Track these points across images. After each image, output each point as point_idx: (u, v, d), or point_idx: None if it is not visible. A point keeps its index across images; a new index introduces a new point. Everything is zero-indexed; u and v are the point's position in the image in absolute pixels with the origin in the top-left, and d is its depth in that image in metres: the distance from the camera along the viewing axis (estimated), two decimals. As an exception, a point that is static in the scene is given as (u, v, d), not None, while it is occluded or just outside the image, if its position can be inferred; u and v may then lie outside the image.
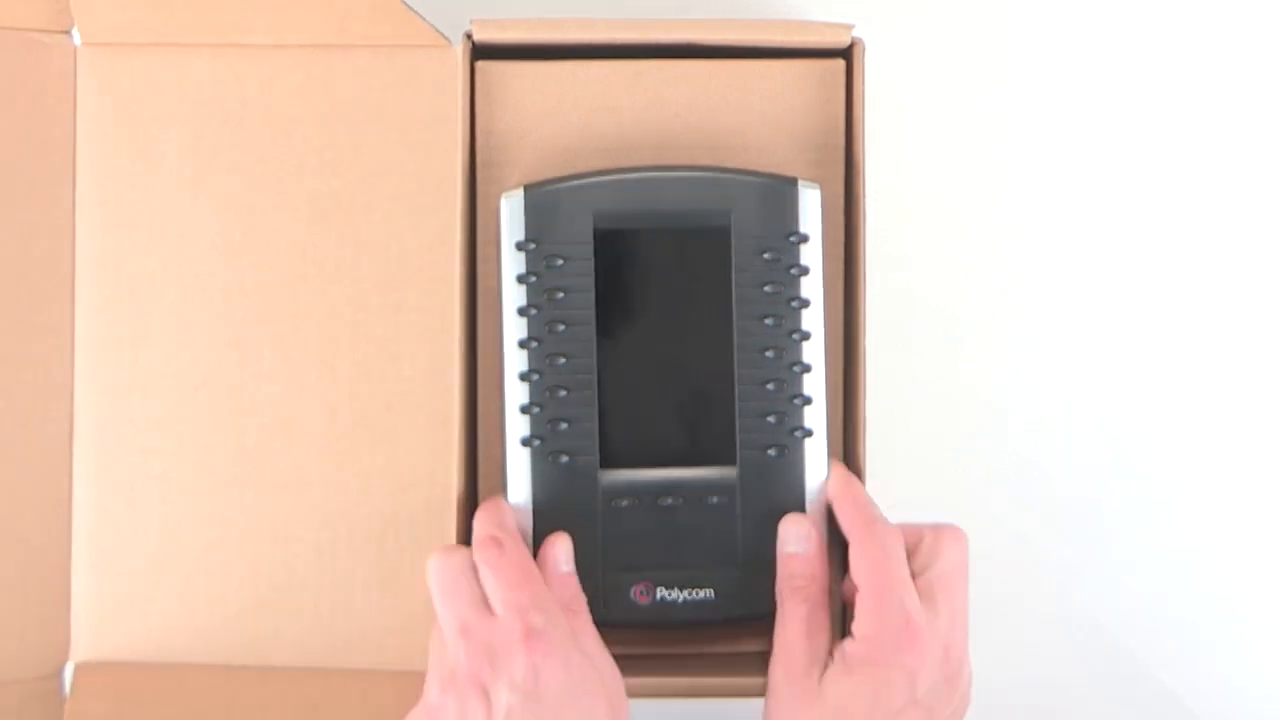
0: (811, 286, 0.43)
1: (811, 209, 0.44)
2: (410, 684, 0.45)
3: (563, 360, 0.43)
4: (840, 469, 0.44)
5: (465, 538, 0.46)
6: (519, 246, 0.43)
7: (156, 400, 0.48)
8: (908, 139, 0.53)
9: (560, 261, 0.43)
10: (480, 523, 0.42)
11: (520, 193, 0.43)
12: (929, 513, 0.53)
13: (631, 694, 0.42)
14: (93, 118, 0.48)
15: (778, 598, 0.43)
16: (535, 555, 0.43)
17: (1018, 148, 0.54)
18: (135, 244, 0.48)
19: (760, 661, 0.43)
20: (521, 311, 0.43)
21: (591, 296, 0.43)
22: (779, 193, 0.43)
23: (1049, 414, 0.54)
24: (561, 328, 0.43)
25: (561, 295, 0.43)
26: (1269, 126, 0.54)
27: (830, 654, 0.42)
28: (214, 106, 0.48)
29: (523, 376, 0.43)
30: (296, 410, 0.48)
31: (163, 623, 0.48)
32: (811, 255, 0.43)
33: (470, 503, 0.47)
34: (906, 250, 0.53)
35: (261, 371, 0.48)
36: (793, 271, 0.43)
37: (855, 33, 0.45)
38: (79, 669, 0.48)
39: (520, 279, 0.43)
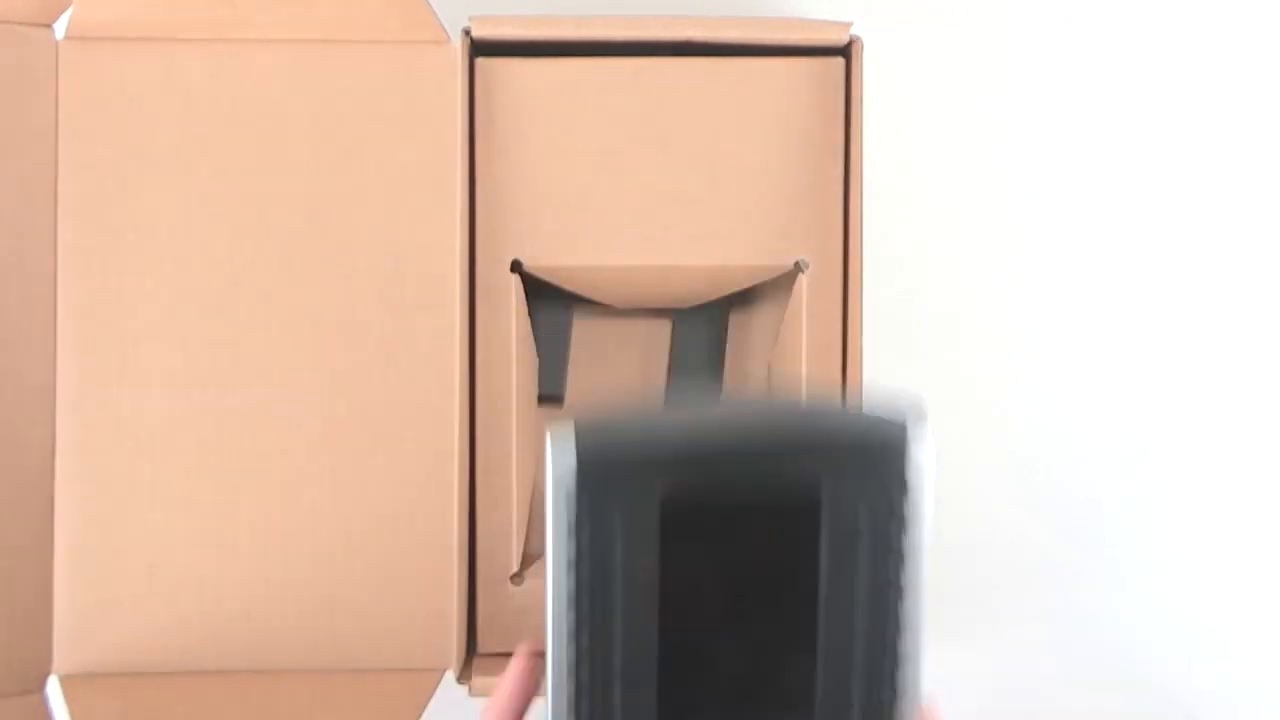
0: (911, 568, 0.35)
1: (919, 464, 0.35)
2: (409, 683, 0.45)
3: (618, 657, 0.37)
4: None
5: (465, 538, 0.46)
6: (570, 532, 0.36)
7: (145, 403, 0.47)
8: (907, 137, 0.53)
9: (619, 548, 0.37)
10: None
11: (572, 450, 0.36)
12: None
13: None
14: (76, 114, 0.47)
15: None
16: None
17: (1018, 146, 0.54)
18: (123, 243, 0.47)
19: None
20: (572, 601, 0.37)
21: (655, 586, 0.37)
22: (881, 447, 0.35)
23: (1049, 414, 0.54)
24: (618, 619, 0.37)
25: (619, 585, 0.37)
26: (1269, 126, 0.54)
27: None
28: (205, 103, 0.47)
29: (572, 669, 0.37)
30: (293, 411, 0.48)
31: (154, 630, 0.47)
32: (913, 532, 0.35)
33: (470, 504, 0.47)
34: (906, 250, 0.53)
35: (256, 372, 0.48)
36: (891, 558, 0.35)
37: (854, 30, 0.45)
38: (65, 682, 0.47)
39: (571, 565, 0.37)
